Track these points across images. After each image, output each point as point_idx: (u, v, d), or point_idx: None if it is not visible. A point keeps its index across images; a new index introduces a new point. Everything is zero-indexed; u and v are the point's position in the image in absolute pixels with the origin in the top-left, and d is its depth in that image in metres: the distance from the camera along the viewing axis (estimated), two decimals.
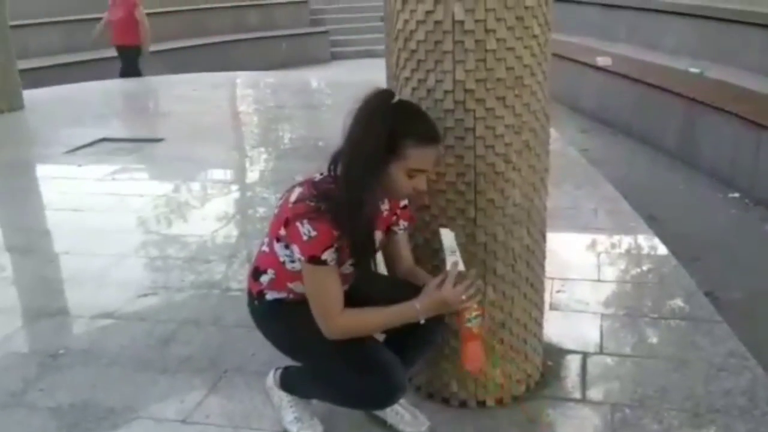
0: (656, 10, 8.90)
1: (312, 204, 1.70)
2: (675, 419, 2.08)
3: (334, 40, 13.84)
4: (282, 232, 1.76)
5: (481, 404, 2.14)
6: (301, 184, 1.79)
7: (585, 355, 2.43)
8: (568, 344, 2.49)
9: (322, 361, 1.86)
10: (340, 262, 1.75)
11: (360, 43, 13.41)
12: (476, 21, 1.82)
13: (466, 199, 1.96)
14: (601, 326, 2.63)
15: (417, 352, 1.95)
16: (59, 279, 3.31)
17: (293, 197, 1.75)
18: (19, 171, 5.14)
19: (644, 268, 3.22)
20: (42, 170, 5.25)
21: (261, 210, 4.11)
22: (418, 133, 1.73)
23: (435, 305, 1.75)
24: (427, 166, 1.78)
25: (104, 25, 8.36)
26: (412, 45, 1.91)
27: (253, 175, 5.17)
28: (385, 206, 1.90)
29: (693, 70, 7.23)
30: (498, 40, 1.84)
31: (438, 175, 1.95)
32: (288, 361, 2.03)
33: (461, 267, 1.77)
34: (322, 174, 1.81)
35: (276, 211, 1.83)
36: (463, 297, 1.73)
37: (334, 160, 1.77)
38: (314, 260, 1.71)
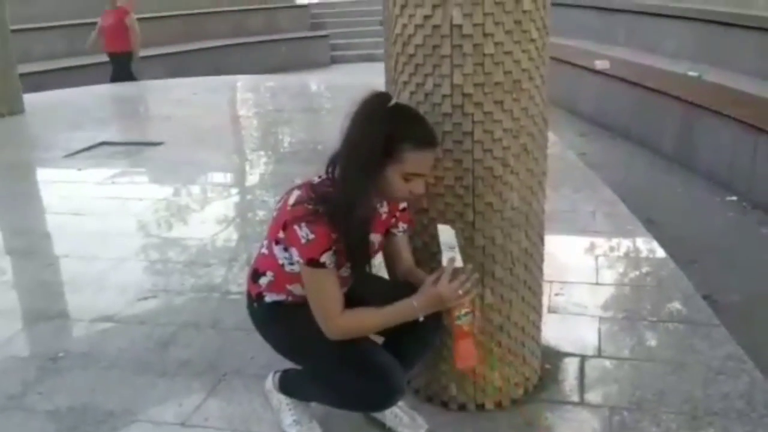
0: (654, 14, 8.93)
1: (310, 207, 1.71)
2: (673, 422, 2.08)
3: (334, 44, 13.88)
4: (280, 234, 1.77)
5: (480, 407, 2.14)
6: (299, 187, 1.80)
7: (583, 359, 2.43)
8: (566, 347, 2.49)
9: (321, 364, 1.87)
10: (338, 265, 1.76)
11: (360, 47, 13.44)
12: (474, 25, 1.83)
13: (464, 202, 1.96)
14: (599, 329, 2.64)
15: (416, 354, 1.96)
16: (59, 282, 3.31)
17: (292, 200, 1.76)
18: (19, 174, 5.15)
19: (642, 271, 3.22)
20: (42, 174, 5.26)
21: (261, 213, 4.11)
22: (414, 136, 1.73)
23: (431, 302, 1.75)
24: (424, 170, 1.78)
25: (97, 31, 8.46)
26: (411, 49, 1.92)
27: (252, 179, 5.18)
28: (383, 209, 1.91)
29: (691, 73, 7.25)
30: (496, 44, 1.85)
31: (436, 179, 1.95)
32: (287, 364, 2.03)
33: (459, 263, 1.77)
34: (320, 177, 1.82)
35: (275, 213, 1.84)
36: (460, 292, 1.74)
37: (332, 163, 1.78)
38: (313, 263, 1.71)
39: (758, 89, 6.24)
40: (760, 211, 4.91)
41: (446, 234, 1.82)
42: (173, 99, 7.79)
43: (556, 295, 2.90)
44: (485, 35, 1.84)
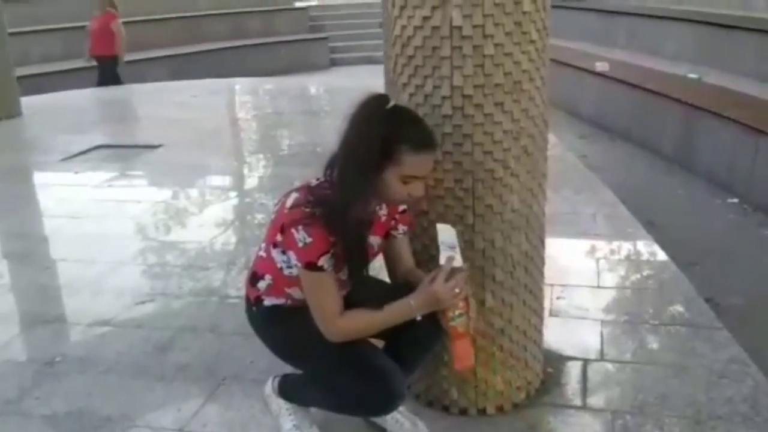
0: (654, 16, 8.94)
1: (307, 210, 1.69)
2: (676, 426, 2.06)
3: (333, 46, 13.88)
4: (278, 238, 1.75)
5: (482, 412, 2.12)
6: (297, 190, 1.78)
7: (585, 362, 2.41)
8: (568, 351, 2.48)
9: (321, 367, 1.85)
10: (337, 268, 1.74)
11: (359, 50, 13.44)
12: (474, 26, 1.82)
13: (464, 204, 1.95)
14: (602, 333, 2.62)
15: (416, 358, 1.94)
16: (56, 286, 3.29)
17: (289, 203, 1.74)
18: (17, 178, 5.13)
19: (644, 273, 3.20)
20: (39, 177, 5.24)
21: (259, 216, 4.10)
22: (412, 139, 1.71)
23: (428, 300, 1.73)
24: (422, 172, 1.76)
25: (85, 35, 8.53)
26: (410, 51, 1.91)
27: (251, 182, 5.16)
28: (383, 211, 1.89)
29: (691, 75, 7.25)
30: (496, 45, 1.83)
31: (436, 181, 1.94)
32: (286, 369, 2.02)
33: (458, 263, 1.75)
34: (318, 179, 1.80)
35: (273, 216, 1.82)
36: (456, 290, 1.72)
37: (330, 165, 1.77)
38: (311, 266, 1.70)
39: (758, 91, 6.24)
40: (760, 213, 4.90)
41: (446, 233, 1.80)
42: (172, 102, 7.78)
43: (558, 298, 2.88)
44: (485, 36, 1.82)
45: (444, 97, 1.88)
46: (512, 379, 2.13)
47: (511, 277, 2.03)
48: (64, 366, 2.51)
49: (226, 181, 5.12)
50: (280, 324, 1.91)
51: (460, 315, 1.75)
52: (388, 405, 1.82)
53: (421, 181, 1.78)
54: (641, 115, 6.90)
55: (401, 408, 1.97)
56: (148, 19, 11.87)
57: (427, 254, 2.01)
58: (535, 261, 2.11)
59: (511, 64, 1.86)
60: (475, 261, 1.97)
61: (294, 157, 5.50)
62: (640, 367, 2.39)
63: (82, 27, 8.77)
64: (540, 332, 2.25)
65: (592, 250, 3.46)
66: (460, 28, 1.82)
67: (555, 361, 2.40)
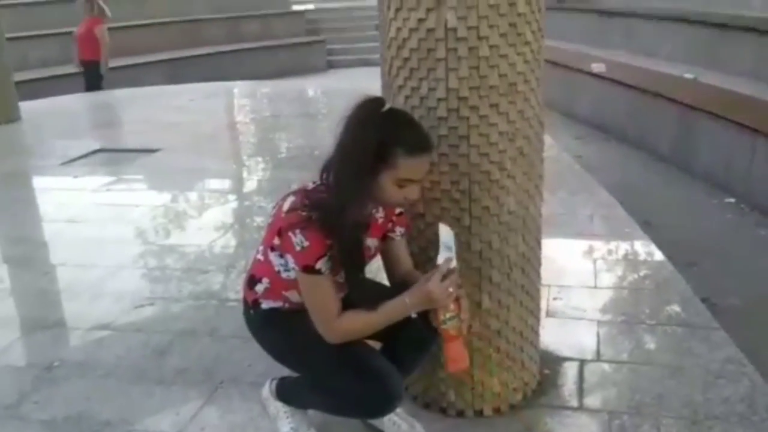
0: (650, 17, 8.94)
1: (303, 214, 1.70)
2: (673, 427, 2.07)
3: (330, 49, 13.89)
4: (276, 241, 1.76)
5: (479, 413, 2.13)
6: (294, 193, 1.79)
7: (582, 363, 2.42)
8: (564, 352, 2.48)
9: (319, 369, 1.85)
10: (334, 271, 1.75)
11: (356, 52, 13.45)
12: (469, 28, 1.82)
13: (460, 207, 1.95)
14: (598, 333, 2.63)
15: (413, 360, 1.94)
16: (55, 291, 3.29)
17: (286, 206, 1.75)
18: (15, 183, 5.14)
19: (640, 274, 3.21)
20: (38, 182, 5.24)
21: (258, 219, 4.10)
22: (407, 142, 1.71)
23: (422, 299, 1.73)
24: (418, 175, 1.76)
25: (72, 40, 8.55)
26: (405, 53, 1.91)
27: (249, 185, 5.17)
28: (380, 214, 1.90)
29: (687, 75, 7.26)
30: (491, 47, 1.84)
31: (432, 183, 1.94)
32: (284, 372, 2.02)
33: (455, 264, 1.76)
34: (315, 183, 1.81)
35: (270, 220, 1.83)
36: (450, 290, 1.72)
37: (326, 169, 1.77)
38: (308, 270, 1.70)
39: (755, 91, 6.25)
40: (757, 213, 4.91)
41: (445, 234, 1.81)
42: (170, 105, 7.78)
43: (554, 299, 2.89)
44: (480, 38, 1.83)
45: (439, 99, 1.89)
46: (509, 381, 2.13)
47: (507, 278, 2.04)
48: (63, 370, 2.51)
49: (224, 184, 5.12)
50: (277, 327, 1.91)
51: (452, 317, 1.75)
52: (385, 406, 1.83)
53: (417, 184, 1.78)
54: (637, 115, 6.90)
55: (399, 410, 1.98)
56: (146, 24, 11.89)
57: (424, 256, 2.01)
58: (531, 262, 2.11)
59: (507, 65, 1.87)
60: (472, 263, 1.98)
61: (292, 159, 5.51)
62: (637, 368, 2.40)
63: None
64: (537, 333, 2.26)
65: (589, 251, 3.47)
66: (455, 30, 1.83)
67: (552, 362, 2.40)
